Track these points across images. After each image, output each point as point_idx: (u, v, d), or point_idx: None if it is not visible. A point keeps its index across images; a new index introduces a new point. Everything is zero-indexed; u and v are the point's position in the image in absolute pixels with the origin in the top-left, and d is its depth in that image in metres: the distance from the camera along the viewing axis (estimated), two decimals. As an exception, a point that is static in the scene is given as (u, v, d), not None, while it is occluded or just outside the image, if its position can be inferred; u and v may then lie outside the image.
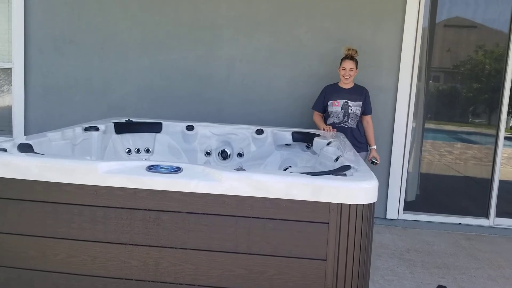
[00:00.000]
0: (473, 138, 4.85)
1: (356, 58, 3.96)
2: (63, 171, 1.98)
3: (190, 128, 3.76)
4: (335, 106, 3.97)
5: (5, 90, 4.82)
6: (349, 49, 3.95)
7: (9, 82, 4.75)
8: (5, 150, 2.19)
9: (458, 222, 4.61)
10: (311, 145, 3.44)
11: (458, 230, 4.61)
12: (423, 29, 4.51)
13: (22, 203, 2.02)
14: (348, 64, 3.92)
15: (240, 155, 3.72)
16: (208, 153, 3.75)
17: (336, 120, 3.98)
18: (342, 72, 3.94)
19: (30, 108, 4.70)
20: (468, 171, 4.87)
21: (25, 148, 2.30)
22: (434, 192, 4.90)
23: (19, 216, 2.02)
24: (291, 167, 3.50)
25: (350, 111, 3.96)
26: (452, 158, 4.89)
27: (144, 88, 4.63)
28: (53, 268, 2.03)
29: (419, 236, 4.40)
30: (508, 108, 4.57)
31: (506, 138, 4.62)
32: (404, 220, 4.64)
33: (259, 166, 3.67)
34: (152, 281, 1.97)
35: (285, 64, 4.53)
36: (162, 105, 4.62)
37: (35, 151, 2.32)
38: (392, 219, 4.63)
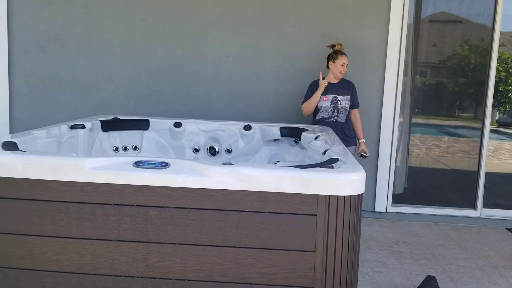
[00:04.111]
0: (459, 131, 4.90)
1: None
2: (48, 168, 1.95)
3: (177, 125, 3.74)
4: (324, 101, 3.97)
5: (-11, 90, 4.75)
6: (340, 44, 3.95)
7: (-7, 82, 4.68)
8: (-11, 148, 2.15)
9: (446, 213, 4.66)
10: (299, 140, 3.45)
11: (446, 221, 4.66)
12: (409, 25, 4.54)
13: (7, 202, 1.99)
14: (346, 59, 3.93)
15: (228, 151, 3.72)
16: (196, 150, 3.74)
17: (325, 115, 3.98)
18: (341, 68, 3.92)
19: (15, 107, 4.64)
20: (455, 164, 4.92)
21: (10, 146, 2.26)
22: (422, 185, 4.94)
23: (4, 215, 1.99)
24: (279, 162, 3.50)
25: (339, 105, 3.97)
26: (440, 151, 4.93)
27: (130, 86, 4.60)
28: (40, 266, 2.00)
29: (408, 228, 4.44)
30: (493, 102, 4.62)
31: (491, 131, 4.69)
32: (392, 212, 4.67)
33: (248, 162, 3.66)
34: (141, 277, 1.96)
35: (271, 59, 4.53)
36: (149, 102, 4.59)
37: (20, 149, 2.29)
38: (380, 212, 4.66)
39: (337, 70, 3.95)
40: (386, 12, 4.44)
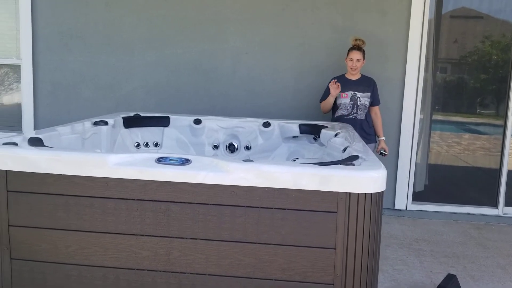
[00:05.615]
0: (481, 128, 4.83)
1: (364, 48, 3.94)
2: (73, 163, 2.00)
3: (197, 121, 3.77)
4: (344, 98, 3.95)
5: (14, 87, 4.86)
6: (356, 39, 3.92)
7: (18, 79, 4.79)
8: (15, 144, 2.21)
9: (467, 211, 4.60)
10: (319, 137, 3.45)
11: (467, 219, 4.60)
12: (430, 20, 4.48)
13: (33, 196, 2.05)
14: (355, 55, 3.89)
15: (247, 148, 3.73)
16: (216, 147, 3.77)
17: (344, 112, 3.96)
18: (349, 63, 3.92)
19: (39, 104, 4.74)
20: (476, 162, 4.85)
21: (35, 142, 2.32)
22: (442, 183, 4.88)
23: (30, 209, 2.05)
24: (298, 159, 3.51)
25: (359, 102, 3.94)
26: (460, 149, 4.87)
27: (151, 83, 4.65)
28: (64, 260, 2.06)
29: (428, 226, 4.40)
30: (516, 98, 4.54)
31: (514, 128, 4.60)
32: (412, 210, 4.63)
33: (267, 158, 3.68)
34: (163, 271, 1.99)
35: (290, 56, 4.53)
36: (169, 99, 4.64)
37: (45, 144, 2.35)
38: (400, 210, 4.63)
39: (347, 65, 3.95)
40: (407, 8, 4.39)
